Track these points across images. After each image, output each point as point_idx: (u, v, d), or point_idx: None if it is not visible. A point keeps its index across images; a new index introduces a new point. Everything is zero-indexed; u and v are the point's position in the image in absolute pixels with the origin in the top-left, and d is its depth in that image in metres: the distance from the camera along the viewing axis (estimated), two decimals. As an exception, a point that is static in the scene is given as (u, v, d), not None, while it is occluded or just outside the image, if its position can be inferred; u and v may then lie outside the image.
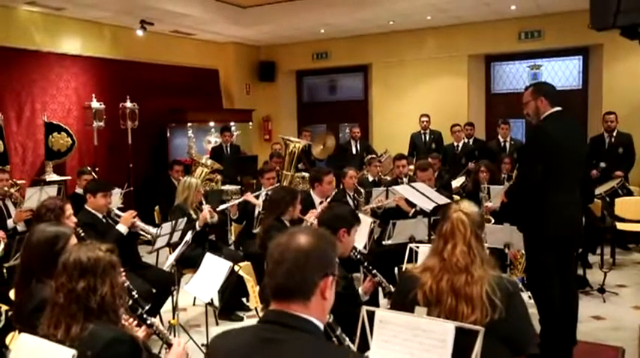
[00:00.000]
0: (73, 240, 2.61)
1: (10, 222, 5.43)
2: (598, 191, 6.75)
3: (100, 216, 4.65)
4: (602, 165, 7.34)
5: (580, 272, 5.62)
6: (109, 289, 2.07)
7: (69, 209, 3.77)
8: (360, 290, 3.23)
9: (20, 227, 5.38)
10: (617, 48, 8.23)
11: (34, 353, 1.75)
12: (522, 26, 9.12)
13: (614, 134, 7.48)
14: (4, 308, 4.07)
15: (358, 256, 3.17)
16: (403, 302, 2.29)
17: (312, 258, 1.55)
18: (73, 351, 1.69)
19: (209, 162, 8.17)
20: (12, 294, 2.90)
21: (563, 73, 9.43)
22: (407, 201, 5.53)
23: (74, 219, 3.87)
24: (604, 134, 7.56)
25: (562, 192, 3.79)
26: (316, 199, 5.42)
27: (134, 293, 3.15)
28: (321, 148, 9.20)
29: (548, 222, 3.74)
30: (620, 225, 6.52)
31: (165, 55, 9.52)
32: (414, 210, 5.51)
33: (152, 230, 4.67)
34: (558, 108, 3.84)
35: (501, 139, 8.39)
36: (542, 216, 3.73)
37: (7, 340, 2.78)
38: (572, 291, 4.01)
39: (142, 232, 4.76)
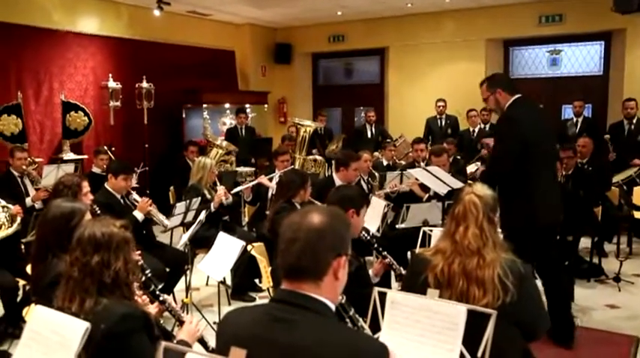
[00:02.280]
0: (88, 216, 2.64)
1: (28, 201, 5.51)
2: (615, 179, 6.68)
3: (118, 196, 4.68)
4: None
5: (595, 260, 5.59)
6: (122, 264, 2.09)
7: (86, 186, 3.79)
8: (370, 271, 3.23)
9: (38, 205, 5.46)
10: (641, 33, 8.09)
11: (49, 325, 1.78)
12: (542, 10, 8.96)
13: (634, 121, 7.36)
14: (22, 282, 4.14)
15: (368, 237, 3.16)
16: (414, 285, 2.28)
17: (325, 238, 1.53)
18: (87, 323, 1.71)
19: (224, 143, 8.18)
20: (29, 269, 2.94)
21: (584, 59, 9.27)
22: (421, 186, 5.50)
23: (91, 197, 3.89)
24: (624, 121, 7.45)
25: (546, 179, 3.80)
26: (338, 182, 5.24)
27: (147, 271, 3.19)
28: (334, 148, 9.15)
29: (536, 211, 3.72)
30: (637, 214, 6.41)
31: (182, 36, 9.51)
32: (427, 195, 5.48)
33: (165, 221, 4.70)
34: (518, 96, 3.83)
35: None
36: (529, 205, 3.71)
37: (24, 313, 2.83)
38: (559, 278, 3.99)
39: (155, 219, 4.79)
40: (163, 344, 1.39)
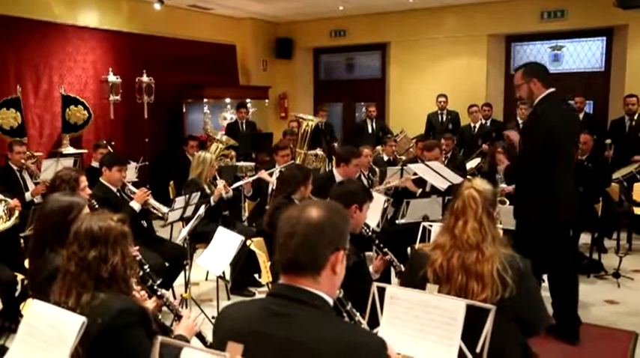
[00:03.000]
0: (86, 210, 2.62)
1: (27, 195, 5.50)
2: (616, 175, 6.67)
3: (114, 189, 4.67)
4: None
5: (595, 256, 5.59)
6: (119, 259, 2.07)
7: (84, 181, 3.77)
8: (370, 268, 3.22)
9: (37, 199, 5.45)
10: (643, 29, 8.07)
11: (46, 319, 1.77)
12: (545, 5, 8.92)
13: (635, 117, 7.34)
14: (21, 277, 4.13)
15: (369, 233, 3.15)
16: (413, 280, 2.28)
17: (323, 232, 1.53)
18: (84, 318, 1.70)
19: (224, 138, 8.16)
20: (28, 263, 2.93)
21: (585, 55, 9.23)
22: (414, 181, 5.51)
23: (89, 191, 3.88)
24: (625, 117, 7.43)
25: (566, 175, 3.80)
26: (338, 178, 5.19)
27: (146, 266, 3.17)
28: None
29: (559, 206, 3.72)
30: (637, 210, 6.41)
31: (183, 30, 9.48)
32: (420, 190, 5.49)
33: (164, 209, 4.70)
34: (552, 90, 3.78)
35: (520, 120, 8.24)
36: (552, 201, 3.71)
37: (22, 307, 2.82)
38: (570, 274, 3.98)
39: (154, 210, 4.78)
40: (160, 338, 1.38)
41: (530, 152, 3.79)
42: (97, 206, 3.85)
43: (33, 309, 1.87)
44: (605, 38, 9.01)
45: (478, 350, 1.91)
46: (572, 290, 3.95)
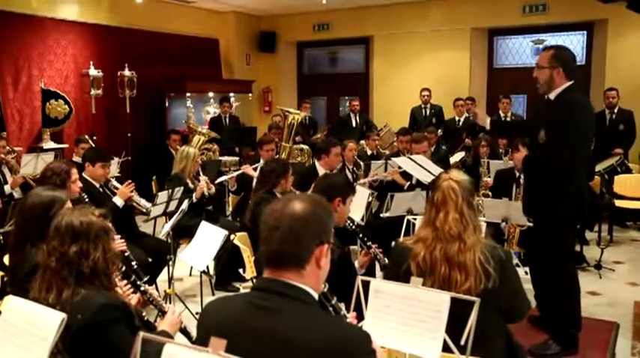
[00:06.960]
0: (69, 205, 2.58)
1: (7, 188, 5.41)
2: (597, 168, 6.73)
3: (97, 185, 4.61)
4: None
5: (577, 248, 5.64)
6: (101, 254, 2.04)
7: (75, 173, 3.70)
8: (356, 263, 3.21)
9: (17, 194, 5.37)
10: (622, 23, 8.16)
11: (24, 316, 1.73)
12: (527, -1, 9.00)
13: (615, 110, 7.43)
14: (0, 273, 4.07)
15: (353, 227, 3.15)
16: (396, 274, 2.28)
17: (307, 225, 1.52)
18: (63, 314, 1.67)
19: (204, 130, 8.09)
20: (7, 260, 2.88)
21: (566, 49, 9.30)
22: (402, 174, 5.52)
23: (80, 184, 3.81)
24: (605, 110, 7.50)
25: (584, 172, 3.67)
26: (321, 170, 5.24)
27: (134, 263, 3.13)
28: (318, 136, 9.08)
29: (577, 204, 3.52)
30: (618, 203, 6.51)
31: (165, 24, 9.38)
32: (408, 183, 5.50)
33: (148, 205, 4.64)
34: (572, 82, 3.46)
35: (502, 114, 8.32)
36: (573, 198, 3.48)
37: (1, 305, 2.77)
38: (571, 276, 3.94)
39: (137, 206, 4.73)
40: (141, 334, 1.36)
41: (563, 146, 3.35)
42: (87, 199, 3.80)
43: (11, 306, 1.83)
44: (585, 32, 9.09)
45: (462, 342, 1.91)
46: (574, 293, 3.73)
